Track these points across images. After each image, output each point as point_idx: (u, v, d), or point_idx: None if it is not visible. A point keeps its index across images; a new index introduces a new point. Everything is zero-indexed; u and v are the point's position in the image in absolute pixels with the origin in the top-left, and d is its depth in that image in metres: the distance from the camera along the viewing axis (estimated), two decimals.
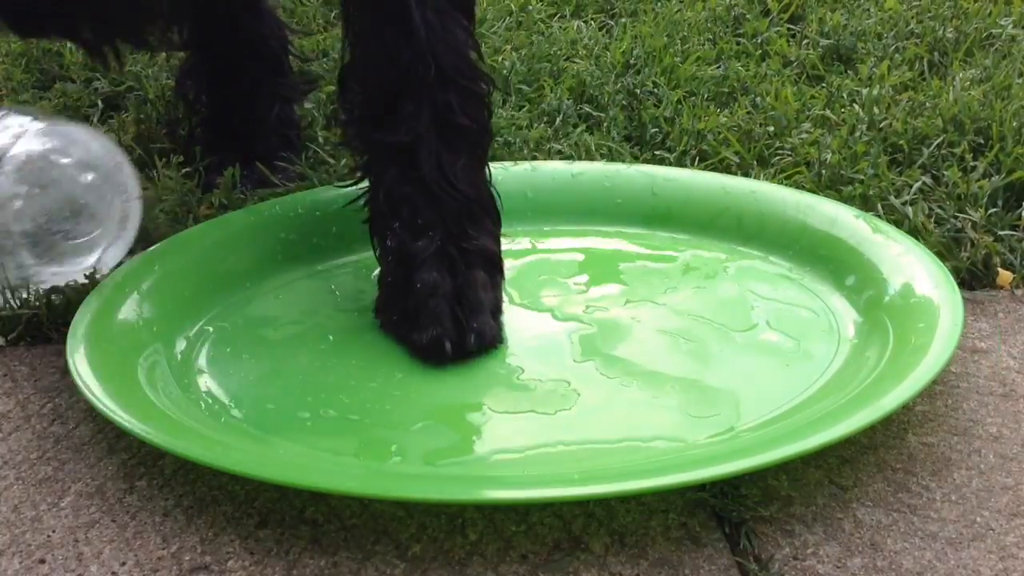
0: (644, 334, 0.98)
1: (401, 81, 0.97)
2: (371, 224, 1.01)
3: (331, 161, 1.27)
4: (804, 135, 1.28)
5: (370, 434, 0.87)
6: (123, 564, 0.76)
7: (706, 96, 1.41)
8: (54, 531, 0.79)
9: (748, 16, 1.65)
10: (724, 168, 1.24)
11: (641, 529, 0.78)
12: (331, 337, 0.99)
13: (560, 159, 1.25)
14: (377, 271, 1.03)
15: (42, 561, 0.76)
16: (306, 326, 1.01)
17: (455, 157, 0.98)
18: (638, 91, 1.42)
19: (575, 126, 1.36)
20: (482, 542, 0.77)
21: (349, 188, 1.06)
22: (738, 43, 1.58)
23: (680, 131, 1.31)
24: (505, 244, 1.04)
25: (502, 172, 1.18)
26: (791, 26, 1.64)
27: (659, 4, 1.73)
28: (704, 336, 0.97)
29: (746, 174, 1.22)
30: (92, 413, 0.90)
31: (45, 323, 1.01)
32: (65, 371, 0.94)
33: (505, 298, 1.02)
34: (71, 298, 1.02)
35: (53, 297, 1.02)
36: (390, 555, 0.77)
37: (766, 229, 1.09)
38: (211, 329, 1.00)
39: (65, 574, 0.75)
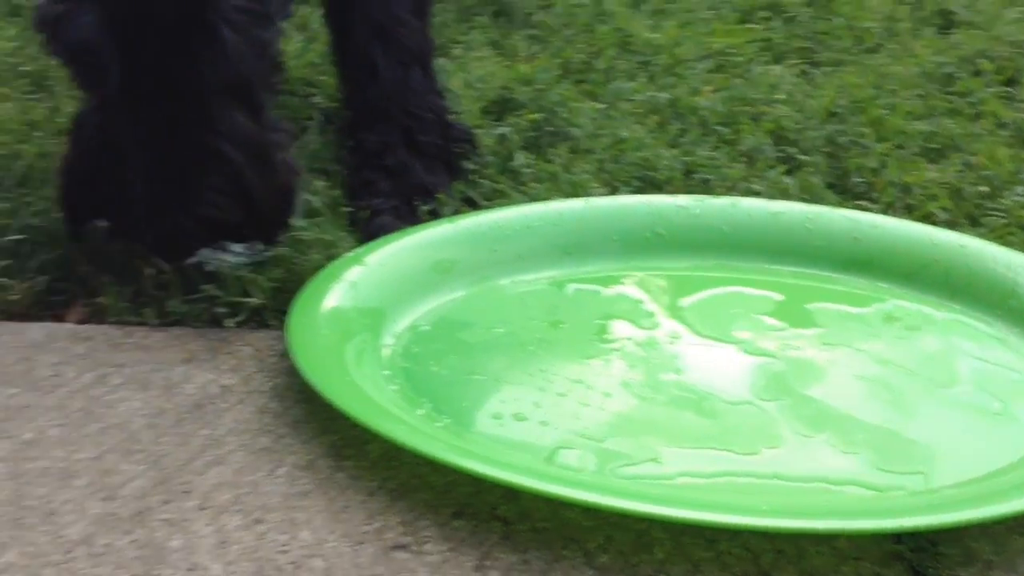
0: (840, 378, 0.98)
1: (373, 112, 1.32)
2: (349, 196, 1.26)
3: (535, 185, 1.31)
4: (1018, 197, 1.26)
5: (559, 442, 0.90)
6: (331, 533, 0.81)
7: (915, 150, 1.39)
8: (270, 496, 0.85)
9: (960, 75, 1.63)
10: (930, 223, 1.22)
11: (832, 573, 0.78)
12: (526, 346, 1.03)
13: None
14: (573, 287, 1.11)
15: (259, 521, 0.82)
16: (502, 333, 1.06)
17: (416, 159, 1.29)
18: (842, 139, 1.41)
19: (773, 167, 1.37)
20: (669, 562, 0.79)
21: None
22: (949, 101, 1.56)
23: (886, 182, 1.30)
24: (697, 273, 1.08)
25: (699, 205, 1.21)
26: (1007, 88, 1.60)
27: (866, 55, 1.72)
28: (904, 387, 0.96)
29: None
30: (306, 394, 0.96)
31: (268, 309, 1.08)
32: (283, 354, 1.01)
33: (689, 328, 1.05)
34: (291, 288, 1.08)
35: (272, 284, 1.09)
36: (578, 561, 0.79)
37: (974, 286, 1.08)
38: (414, 327, 1.05)
39: (279, 535, 0.81)
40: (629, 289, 1.12)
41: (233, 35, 1.01)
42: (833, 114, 1.50)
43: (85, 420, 0.93)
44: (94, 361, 1.01)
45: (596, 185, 1.31)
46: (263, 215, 1.07)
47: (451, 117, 1.39)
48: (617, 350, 1.02)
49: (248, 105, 1.07)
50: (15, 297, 1.09)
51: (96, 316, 1.09)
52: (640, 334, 1.05)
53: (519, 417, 0.93)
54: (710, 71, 1.69)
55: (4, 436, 0.91)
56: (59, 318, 1.09)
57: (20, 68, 1.64)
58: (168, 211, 1.02)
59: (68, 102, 1.45)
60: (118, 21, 0.98)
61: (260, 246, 1.13)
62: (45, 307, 1.11)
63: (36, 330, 1.06)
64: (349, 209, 1.25)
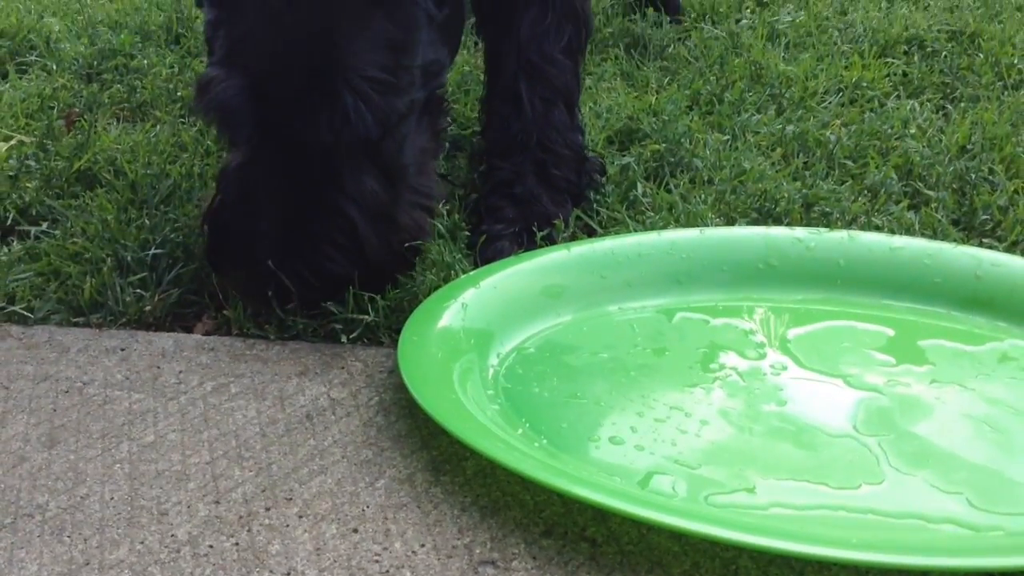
0: (946, 416, 0.95)
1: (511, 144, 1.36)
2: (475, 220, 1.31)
3: (652, 214, 1.32)
4: None
5: (653, 467, 0.91)
6: (422, 546, 0.84)
7: None
8: (368, 507, 0.88)
9: None
10: None
11: None
12: (628, 371, 1.04)
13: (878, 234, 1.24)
14: (681, 315, 1.12)
15: (355, 531, 0.85)
16: (605, 358, 1.07)
17: (544, 190, 1.33)
18: (972, 176, 1.38)
19: (898, 202, 1.34)
20: None
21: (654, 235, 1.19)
22: None
23: (1014, 220, 1.27)
24: (809, 305, 1.07)
25: (815, 237, 1.19)
26: None
27: (1006, 92, 1.67)
28: (1012, 427, 0.93)
29: None
30: (411, 409, 0.99)
31: (382, 327, 1.12)
32: (392, 370, 1.05)
33: (795, 360, 1.05)
34: (405, 307, 1.12)
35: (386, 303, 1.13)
36: None
37: None
38: (520, 349, 1.08)
39: (373, 544, 0.84)
40: (737, 319, 1.12)
41: (356, 101, 1.07)
42: (965, 150, 1.46)
43: (202, 426, 0.99)
44: (216, 371, 1.07)
45: (713, 216, 1.31)
46: (376, 272, 1.13)
47: (588, 153, 1.42)
48: (719, 379, 1.02)
49: (380, 166, 1.13)
50: (149, 308, 1.17)
51: (222, 328, 1.15)
52: (744, 364, 1.04)
53: (616, 441, 0.94)
54: (842, 104, 1.67)
55: (126, 438, 0.97)
56: (188, 329, 1.16)
57: (176, 94, 1.74)
58: (290, 263, 1.08)
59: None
60: (255, 86, 1.06)
61: None
62: (176, 318, 1.18)
63: (165, 339, 1.13)
64: (468, 233, 1.28)
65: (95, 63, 1.87)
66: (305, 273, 1.08)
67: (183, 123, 1.63)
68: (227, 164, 1.14)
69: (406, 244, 1.16)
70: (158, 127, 1.61)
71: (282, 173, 1.09)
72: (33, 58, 1.90)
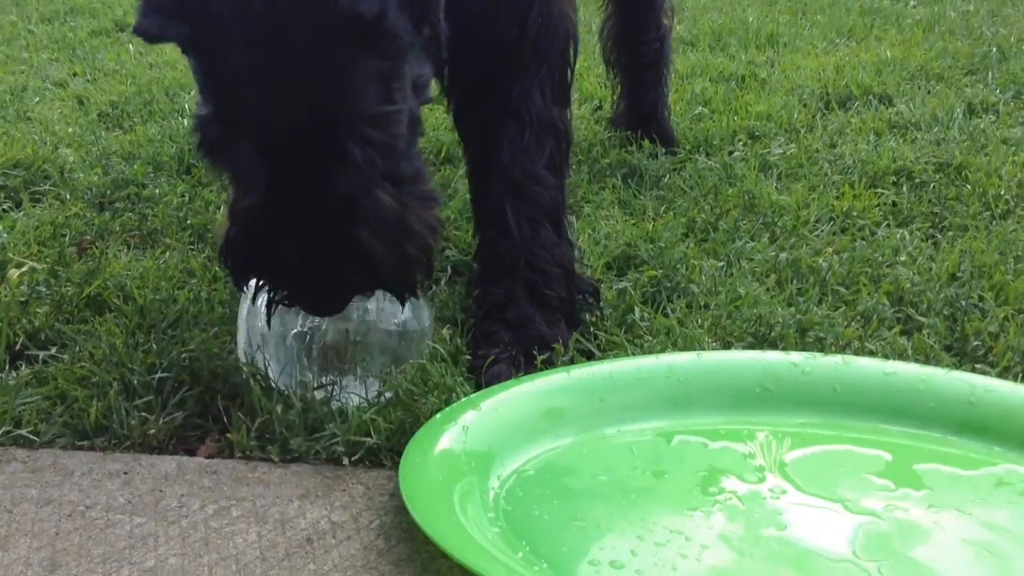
0: (945, 541, 0.96)
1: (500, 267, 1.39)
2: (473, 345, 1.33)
3: (649, 338, 1.35)
4: None
5: None
6: None
7: None
8: None
9: None
10: None
11: None
12: (628, 494, 1.05)
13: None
14: (679, 438, 1.13)
15: None
16: (605, 481, 1.08)
17: (537, 311, 1.35)
18: (962, 303, 1.41)
19: (890, 328, 1.37)
20: None
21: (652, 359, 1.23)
22: None
23: (1005, 346, 1.29)
24: (806, 430, 1.09)
25: (810, 362, 1.21)
26: None
27: (994, 222, 1.72)
28: (1011, 553, 0.94)
29: None
30: (412, 532, 0.99)
31: (384, 449, 1.13)
32: (393, 493, 1.06)
33: (794, 484, 1.06)
34: (407, 430, 1.14)
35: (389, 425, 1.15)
36: None
37: None
38: (520, 472, 1.09)
39: None
40: (736, 443, 1.13)
41: (363, 150, 1.11)
42: (955, 278, 1.50)
43: (203, 550, 0.99)
44: (218, 494, 1.08)
45: (710, 340, 1.34)
46: (394, 282, 1.19)
47: (578, 270, 1.44)
48: (719, 503, 1.03)
49: (389, 179, 1.16)
50: (153, 431, 1.18)
51: (225, 451, 1.16)
52: (743, 488, 1.05)
53: (616, 565, 0.94)
54: (834, 233, 1.71)
55: (127, 563, 0.98)
56: (191, 452, 1.17)
57: (186, 221, 1.78)
58: (312, 278, 1.14)
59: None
60: (261, 138, 1.11)
61: (380, 388, 1.21)
62: (180, 441, 1.19)
63: (168, 463, 1.14)
64: (470, 357, 1.30)
65: (108, 192, 1.92)
66: (328, 287, 1.15)
67: (192, 249, 1.66)
68: (237, 201, 1.19)
69: (418, 250, 1.19)
70: (167, 253, 1.64)
71: (293, 210, 1.12)
72: (47, 187, 1.95)
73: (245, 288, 1.22)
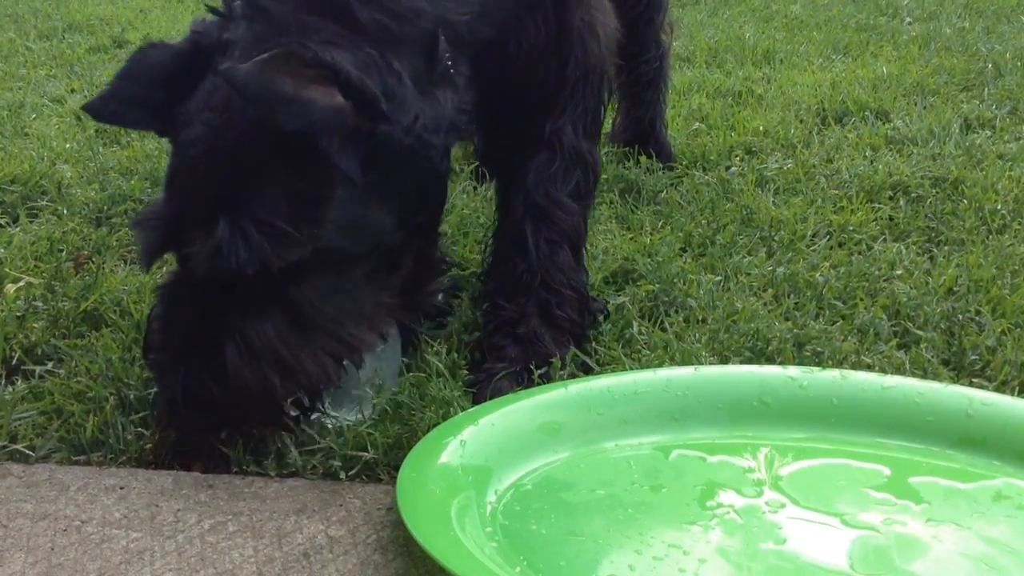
0: (943, 555, 0.96)
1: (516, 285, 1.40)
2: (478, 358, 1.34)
3: (647, 352, 1.35)
4: None
5: None
6: None
7: None
8: None
9: None
10: None
11: None
12: (626, 508, 1.05)
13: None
14: (677, 452, 1.13)
15: None
16: (602, 495, 1.07)
17: (547, 330, 1.36)
18: (959, 317, 1.41)
19: (887, 342, 1.37)
20: None
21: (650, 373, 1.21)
22: None
23: (1003, 360, 1.29)
24: (803, 444, 1.09)
25: (808, 376, 1.21)
26: None
27: (990, 236, 1.72)
28: (1009, 566, 0.93)
29: None
30: (409, 547, 0.99)
31: (381, 464, 1.13)
32: (390, 507, 1.05)
33: (792, 498, 1.05)
34: (404, 444, 1.13)
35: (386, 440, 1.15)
36: None
37: None
38: (518, 486, 1.08)
39: None
40: (733, 457, 1.13)
41: (233, 236, 1.07)
42: (952, 292, 1.50)
43: (199, 565, 0.99)
44: (214, 508, 1.08)
45: (707, 354, 1.34)
46: (247, 408, 1.12)
47: (591, 293, 1.45)
48: (717, 517, 1.03)
49: (285, 309, 1.12)
50: (149, 446, 1.18)
51: (222, 465, 1.16)
52: (741, 502, 1.05)
53: None
54: (830, 247, 1.71)
55: None
56: (187, 466, 1.17)
57: None
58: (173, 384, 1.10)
59: None
60: (171, 221, 1.13)
61: (368, 411, 1.20)
62: (176, 455, 1.18)
63: (165, 477, 1.14)
64: (467, 371, 1.30)
65: (105, 207, 1.92)
66: (181, 396, 1.09)
67: None
68: (166, 277, 1.19)
69: (302, 388, 1.14)
70: (164, 268, 1.64)
71: (190, 300, 1.12)
72: (44, 203, 1.95)
73: None
